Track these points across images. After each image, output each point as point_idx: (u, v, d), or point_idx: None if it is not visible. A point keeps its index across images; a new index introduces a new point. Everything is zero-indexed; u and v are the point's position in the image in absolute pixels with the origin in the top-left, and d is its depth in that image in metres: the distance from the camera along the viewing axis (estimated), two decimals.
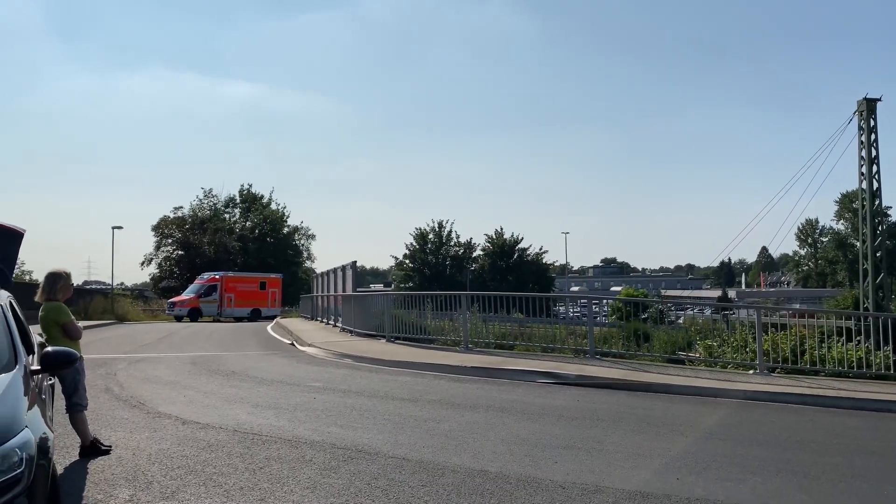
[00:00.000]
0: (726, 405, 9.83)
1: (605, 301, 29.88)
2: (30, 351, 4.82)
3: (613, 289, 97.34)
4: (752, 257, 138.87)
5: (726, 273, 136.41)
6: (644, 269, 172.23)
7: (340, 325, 22.71)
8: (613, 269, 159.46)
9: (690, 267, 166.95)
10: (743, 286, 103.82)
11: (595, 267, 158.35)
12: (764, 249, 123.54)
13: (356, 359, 14.48)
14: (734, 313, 18.26)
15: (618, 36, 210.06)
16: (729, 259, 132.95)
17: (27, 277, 42.88)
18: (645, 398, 10.19)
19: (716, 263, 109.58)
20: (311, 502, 4.95)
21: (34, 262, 59.56)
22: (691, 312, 25.54)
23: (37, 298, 6.25)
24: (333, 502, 4.94)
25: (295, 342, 19.40)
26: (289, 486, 5.27)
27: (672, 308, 26.27)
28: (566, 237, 79.63)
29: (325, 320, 27.18)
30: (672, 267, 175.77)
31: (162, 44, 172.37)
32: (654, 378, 11.47)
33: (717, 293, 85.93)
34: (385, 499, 5.04)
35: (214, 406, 8.75)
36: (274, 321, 34.26)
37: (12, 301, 5.31)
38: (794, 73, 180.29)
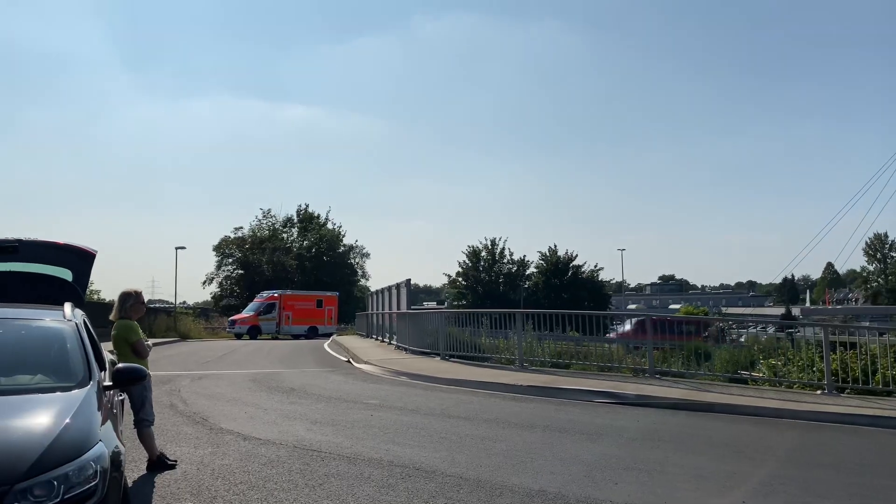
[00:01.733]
0: (793, 426, 9.51)
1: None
2: (102, 367, 5.01)
3: (672, 306, 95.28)
4: (816, 273, 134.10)
5: (790, 290, 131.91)
6: (703, 287, 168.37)
7: (395, 342, 22.85)
8: (672, 286, 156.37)
9: (752, 284, 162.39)
10: (808, 303, 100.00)
11: (652, 284, 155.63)
12: (829, 265, 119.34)
13: (411, 376, 14.54)
14: (799, 331, 17.62)
15: (673, 53, 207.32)
16: (792, 275, 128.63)
17: (95, 297, 44.50)
18: (707, 418, 9.94)
19: (778, 280, 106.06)
20: None
21: (102, 282, 61.93)
22: (754, 330, 24.72)
23: (111, 317, 6.51)
24: None
25: (351, 359, 19.61)
26: (347, 503, 5.32)
27: (733, 326, 25.53)
28: (622, 254, 78.42)
29: (380, 338, 27.39)
30: (733, 284, 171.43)
31: (224, 71, 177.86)
32: (717, 398, 11.18)
33: (780, 310, 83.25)
34: None
35: (274, 422, 8.90)
36: (330, 339, 34.68)
37: (86, 319, 5.54)
38: (857, 84, 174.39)
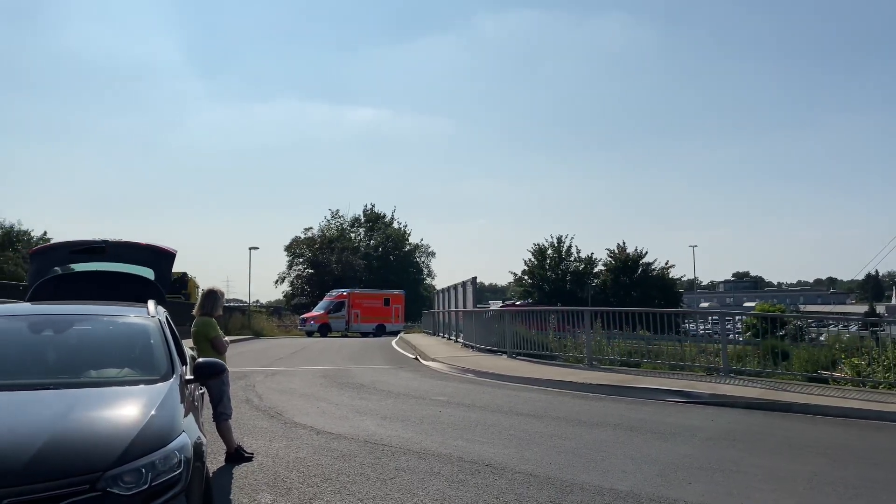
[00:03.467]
0: (879, 428, 9.09)
1: (738, 317, 28.39)
2: (184, 362, 5.21)
3: (746, 304, 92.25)
4: None
5: (873, 287, 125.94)
6: (780, 284, 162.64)
7: (462, 340, 22.93)
8: (746, 283, 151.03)
9: (832, 280, 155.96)
10: (893, 300, 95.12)
11: (726, 282, 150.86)
12: None
13: (478, 374, 14.57)
14: (884, 329, 16.82)
15: (744, 44, 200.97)
16: (876, 272, 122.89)
17: None
18: (785, 419, 9.61)
19: (861, 276, 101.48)
20: None
21: None
22: (835, 329, 23.72)
23: (193, 312, 6.81)
24: None
25: (419, 357, 19.79)
26: (419, 497, 5.38)
27: (813, 324, 24.59)
28: (694, 251, 76.61)
29: (446, 336, 27.53)
30: (811, 281, 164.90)
31: (291, 76, 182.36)
32: (795, 398, 10.78)
33: (863, 308, 79.56)
34: None
35: (346, 417, 9.08)
36: (398, 336, 35.07)
37: (168, 316, 5.78)
38: None
